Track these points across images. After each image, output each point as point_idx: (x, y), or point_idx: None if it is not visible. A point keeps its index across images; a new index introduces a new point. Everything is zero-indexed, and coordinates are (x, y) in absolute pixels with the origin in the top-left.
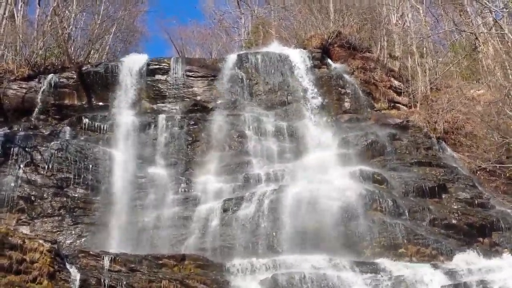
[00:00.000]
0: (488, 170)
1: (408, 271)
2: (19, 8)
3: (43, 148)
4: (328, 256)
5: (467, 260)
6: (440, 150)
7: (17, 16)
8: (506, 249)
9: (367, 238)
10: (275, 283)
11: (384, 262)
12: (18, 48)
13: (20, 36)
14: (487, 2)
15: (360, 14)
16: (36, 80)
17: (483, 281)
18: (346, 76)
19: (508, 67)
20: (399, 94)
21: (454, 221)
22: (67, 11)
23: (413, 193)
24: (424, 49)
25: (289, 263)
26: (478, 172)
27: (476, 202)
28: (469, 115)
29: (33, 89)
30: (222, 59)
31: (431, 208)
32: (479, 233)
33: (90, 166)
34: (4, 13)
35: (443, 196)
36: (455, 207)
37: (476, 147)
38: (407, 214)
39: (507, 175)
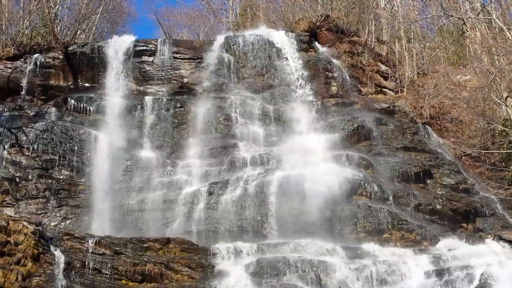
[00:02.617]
0: (473, 156)
1: (393, 256)
2: None
3: (28, 129)
4: (313, 240)
5: (451, 246)
6: (426, 135)
7: None
8: (489, 235)
9: (352, 223)
10: (260, 267)
11: (368, 247)
12: (3, 27)
13: (6, 15)
14: None
15: None
16: (22, 59)
17: (466, 266)
18: (334, 60)
19: (495, 53)
20: (386, 78)
21: (438, 207)
22: None
23: (398, 178)
24: (412, 33)
25: (274, 248)
26: (463, 158)
27: (460, 187)
28: (455, 100)
29: (18, 69)
30: (209, 41)
31: (416, 194)
32: (463, 218)
33: (76, 147)
34: None
35: (428, 182)
36: (440, 192)
37: (462, 133)
38: (392, 199)
39: (492, 161)
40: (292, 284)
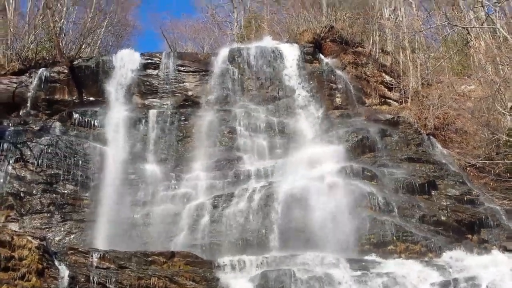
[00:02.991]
0: (477, 166)
1: (398, 268)
2: (11, 1)
3: (33, 143)
4: (318, 253)
5: (456, 257)
6: (430, 146)
7: (9, 9)
8: (494, 246)
9: (356, 235)
10: (265, 280)
11: (373, 259)
12: (9, 42)
13: (11, 29)
14: None
15: (352, 8)
16: (27, 74)
17: (472, 277)
18: (338, 71)
19: (499, 62)
20: (390, 89)
21: (443, 218)
22: (58, 4)
23: (403, 189)
24: (416, 43)
25: (279, 260)
26: (468, 169)
27: (465, 198)
28: (460, 111)
29: (23, 84)
30: (214, 53)
31: (420, 205)
32: (468, 229)
33: (80, 162)
34: None
35: (433, 193)
36: (445, 203)
37: (466, 144)
38: (396, 211)
39: (496, 171)
40: None
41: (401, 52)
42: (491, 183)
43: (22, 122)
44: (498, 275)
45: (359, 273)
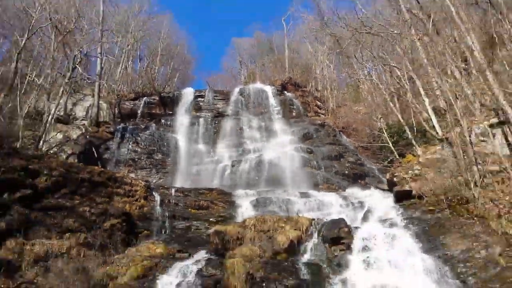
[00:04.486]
0: (364, 147)
1: (324, 197)
2: (129, 63)
3: (141, 134)
4: (285, 189)
5: (353, 192)
6: (340, 137)
7: (128, 67)
8: (372, 186)
9: (303, 180)
10: (258, 202)
11: (312, 192)
12: (128, 84)
13: (130, 78)
14: (364, 63)
15: (301, 67)
16: (137, 100)
17: (360, 202)
18: (294, 99)
19: (374, 95)
20: (320, 108)
21: (346, 172)
22: (153, 65)
23: (327, 158)
24: (333, 86)
25: (265, 193)
26: (359, 148)
27: (357, 162)
28: (355, 119)
29: (136, 105)
30: (231, 90)
31: (335, 165)
32: (359, 178)
33: (165, 143)
34: (121, 67)
35: (341, 160)
36: (347, 165)
37: (358, 136)
38: (323, 168)
39: (373, 149)
40: (273, 210)
41: (325, 90)
42: (371, 155)
43: (135, 124)
44: (373, 201)
45: (305, 199)
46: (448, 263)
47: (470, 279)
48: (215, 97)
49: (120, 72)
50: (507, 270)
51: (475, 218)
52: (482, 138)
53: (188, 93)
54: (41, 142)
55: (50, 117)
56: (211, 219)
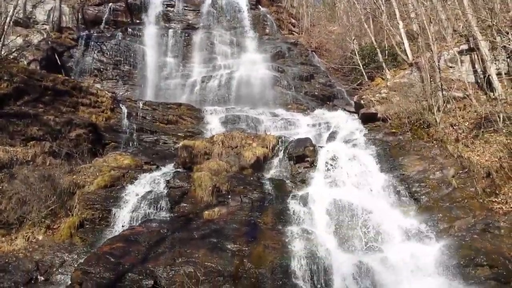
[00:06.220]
0: (335, 68)
1: (292, 116)
2: None
3: (106, 43)
4: (254, 107)
5: (321, 112)
6: (312, 57)
7: None
8: (339, 108)
9: (272, 99)
10: (227, 119)
11: (280, 111)
12: None
13: None
14: None
15: None
16: (102, 6)
17: (327, 122)
18: (268, 15)
19: (349, 15)
20: (294, 26)
21: (316, 93)
22: None
23: (297, 78)
24: (309, 2)
25: (234, 110)
26: (330, 69)
27: (327, 83)
28: (328, 40)
29: (101, 11)
30: (203, 1)
31: (305, 86)
32: (327, 99)
33: (132, 54)
34: None
35: (311, 81)
36: (317, 86)
37: (330, 57)
38: (293, 88)
39: (344, 71)
40: (241, 128)
41: (300, 7)
42: (341, 77)
43: (100, 32)
44: (339, 121)
45: (273, 118)
46: (404, 183)
47: (423, 198)
48: (185, 8)
49: None
50: (457, 191)
51: (434, 141)
52: (450, 64)
53: (156, 1)
54: (0, 45)
55: (8, 18)
56: (179, 134)
